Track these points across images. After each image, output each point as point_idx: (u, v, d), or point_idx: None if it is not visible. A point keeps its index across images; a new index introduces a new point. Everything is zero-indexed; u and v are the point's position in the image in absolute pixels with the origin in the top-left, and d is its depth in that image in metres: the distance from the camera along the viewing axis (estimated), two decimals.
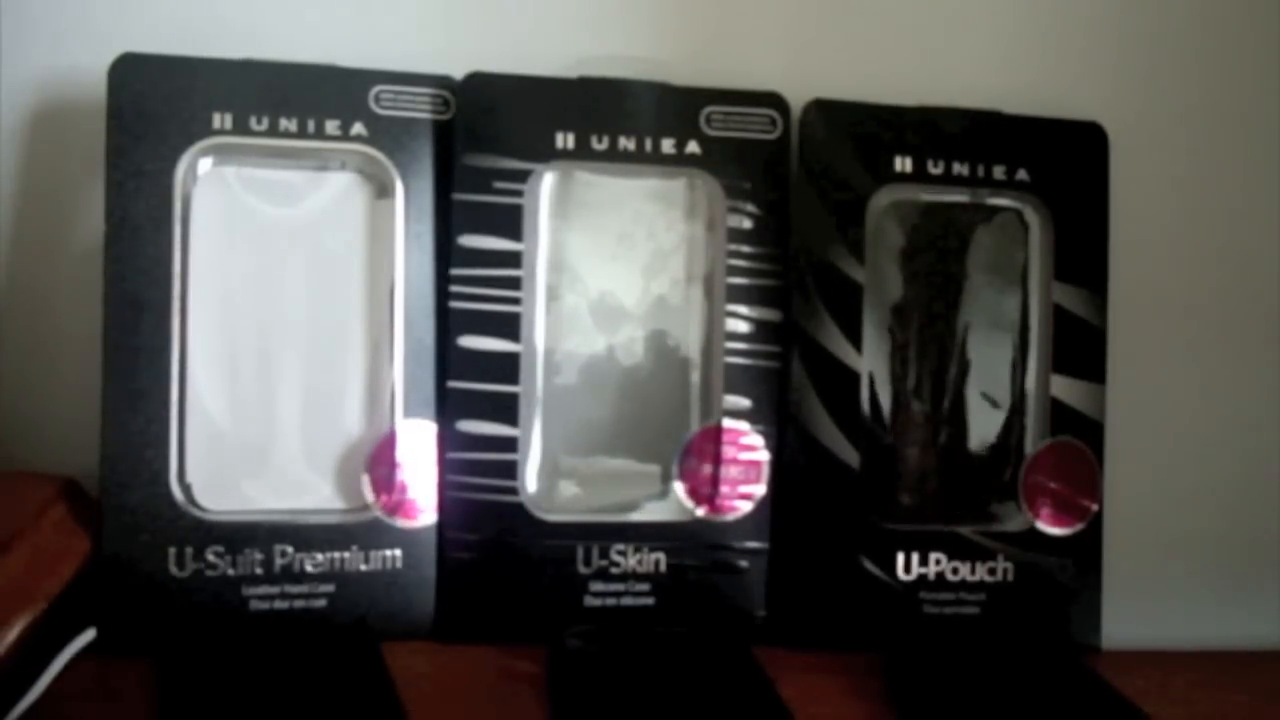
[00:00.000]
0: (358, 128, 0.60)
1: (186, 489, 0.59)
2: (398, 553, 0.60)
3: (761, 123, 0.64)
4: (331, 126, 0.60)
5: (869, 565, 0.63)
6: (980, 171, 0.65)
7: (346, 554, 0.60)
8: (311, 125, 0.60)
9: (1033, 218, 0.66)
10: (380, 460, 0.60)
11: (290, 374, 0.61)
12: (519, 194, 0.61)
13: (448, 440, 0.61)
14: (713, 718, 0.53)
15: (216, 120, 0.59)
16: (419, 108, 0.61)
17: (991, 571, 0.64)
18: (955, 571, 0.64)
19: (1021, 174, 0.65)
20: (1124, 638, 0.66)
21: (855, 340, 0.64)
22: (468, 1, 0.65)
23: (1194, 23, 0.69)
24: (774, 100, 0.64)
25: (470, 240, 0.61)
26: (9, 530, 0.54)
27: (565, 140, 0.62)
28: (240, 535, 0.59)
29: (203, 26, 0.62)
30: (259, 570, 0.59)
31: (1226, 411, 0.71)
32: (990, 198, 0.66)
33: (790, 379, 0.63)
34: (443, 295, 0.61)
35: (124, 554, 0.57)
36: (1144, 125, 0.68)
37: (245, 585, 0.58)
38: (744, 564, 0.63)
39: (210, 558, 0.58)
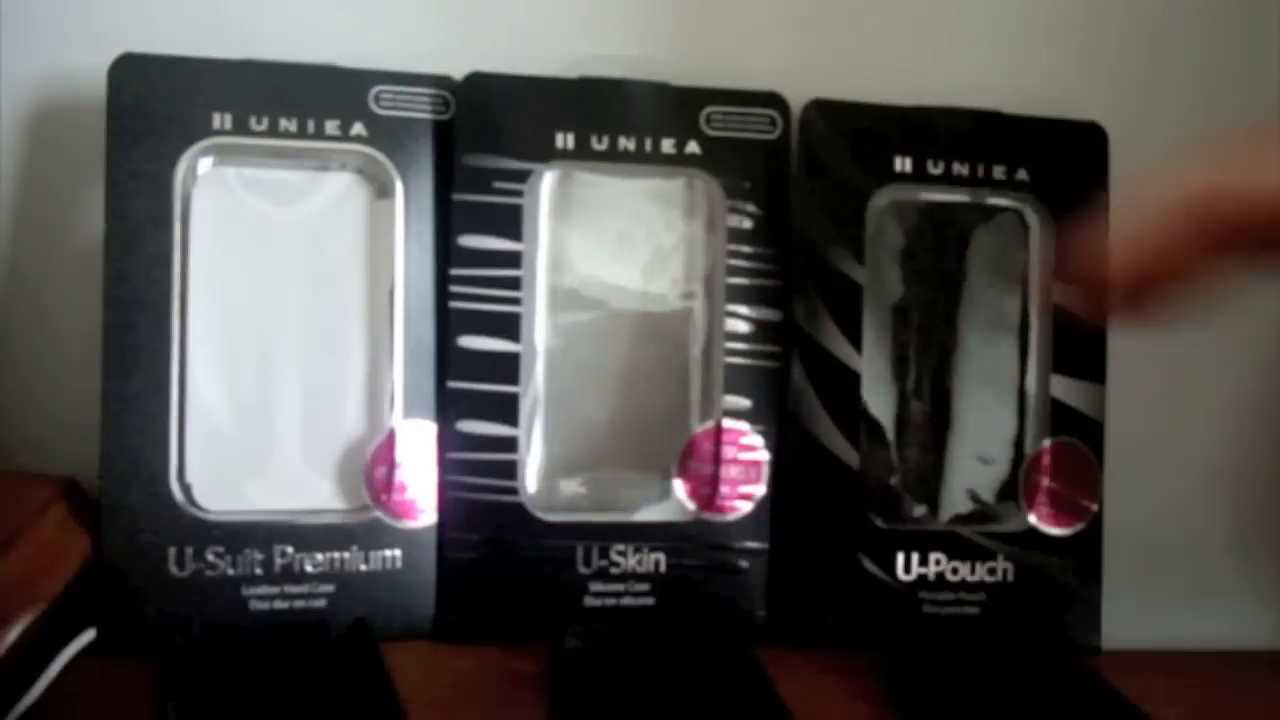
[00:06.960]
0: (357, 128, 0.60)
1: (186, 489, 0.59)
2: (398, 553, 0.60)
3: (761, 123, 0.64)
4: (331, 126, 0.60)
5: (869, 565, 0.63)
6: (980, 171, 0.65)
7: (346, 554, 0.60)
8: (311, 125, 0.60)
9: (1033, 218, 0.66)
10: (380, 460, 0.61)
11: (290, 374, 0.61)
12: (519, 194, 0.61)
13: (448, 440, 0.61)
14: (713, 718, 0.53)
15: (216, 120, 0.59)
16: (419, 108, 0.61)
17: (991, 571, 0.64)
18: (955, 571, 0.64)
19: (1021, 174, 0.65)
20: (1124, 638, 0.66)
21: (855, 340, 0.64)
22: (468, 1, 0.65)
23: (1194, 23, 0.69)
24: (774, 100, 0.64)
25: (470, 240, 0.61)
26: (9, 530, 0.54)
27: (565, 140, 0.62)
28: (240, 535, 0.58)
29: (203, 26, 0.62)
30: (259, 570, 0.59)
31: (1226, 412, 0.70)
32: (990, 198, 0.66)
33: (790, 379, 0.63)
34: (443, 295, 0.61)
35: (124, 554, 0.57)
36: (1144, 125, 0.68)
37: (245, 585, 0.58)
38: (744, 564, 0.63)
39: (210, 558, 0.58)
